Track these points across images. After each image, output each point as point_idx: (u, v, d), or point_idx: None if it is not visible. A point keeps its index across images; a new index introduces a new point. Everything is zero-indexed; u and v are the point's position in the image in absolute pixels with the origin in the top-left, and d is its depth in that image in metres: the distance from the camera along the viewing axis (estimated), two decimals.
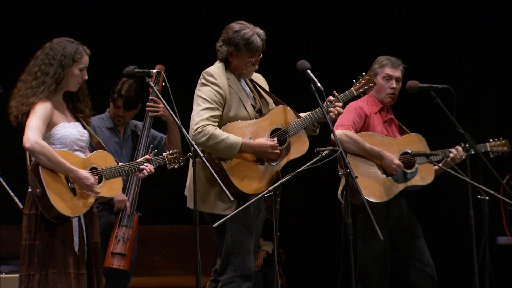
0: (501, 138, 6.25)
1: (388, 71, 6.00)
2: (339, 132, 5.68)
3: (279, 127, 5.36)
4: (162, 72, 5.40)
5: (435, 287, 5.95)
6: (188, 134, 5.06)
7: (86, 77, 4.91)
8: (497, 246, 7.22)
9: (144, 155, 5.83)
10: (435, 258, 6.10)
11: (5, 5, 8.49)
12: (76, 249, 4.81)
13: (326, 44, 9.05)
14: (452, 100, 5.80)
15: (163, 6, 9.13)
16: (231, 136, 5.17)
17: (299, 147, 5.38)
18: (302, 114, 5.41)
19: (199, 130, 5.14)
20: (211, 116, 5.19)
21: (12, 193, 5.58)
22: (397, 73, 6.03)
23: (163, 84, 5.46)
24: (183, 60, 8.61)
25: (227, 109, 5.27)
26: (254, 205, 5.20)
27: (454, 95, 5.80)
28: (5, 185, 5.66)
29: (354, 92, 5.55)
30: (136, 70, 5.11)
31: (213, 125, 5.17)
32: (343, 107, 5.41)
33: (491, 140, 6.24)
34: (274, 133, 5.34)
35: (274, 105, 5.48)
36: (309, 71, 5.21)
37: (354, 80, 5.58)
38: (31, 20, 8.62)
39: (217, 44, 5.37)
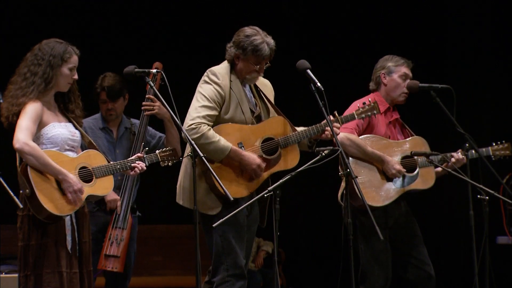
0: (503, 141, 6.24)
1: (405, 70, 6.00)
2: (342, 135, 5.66)
3: (273, 137, 5.36)
4: (162, 72, 5.39)
5: (433, 286, 5.95)
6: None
7: (76, 77, 4.92)
8: (497, 246, 7.22)
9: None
10: (435, 258, 6.10)
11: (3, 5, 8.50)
12: (69, 247, 4.82)
13: (326, 44, 9.04)
14: (452, 100, 5.79)
15: (161, 5, 9.12)
16: (222, 140, 5.19)
17: (290, 160, 5.38)
18: (299, 129, 5.42)
19: (193, 126, 5.15)
20: (208, 115, 5.21)
21: (12, 193, 5.57)
22: (411, 73, 6.04)
23: (162, 83, 5.45)
24: (181, 60, 8.61)
25: (224, 111, 5.29)
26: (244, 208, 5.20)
27: (454, 95, 5.79)
28: (5, 185, 5.66)
29: (356, 116, 5.58)
30: (136, 70, 5.13)
31: (208, 125, 5.19)
32: (321, 112, 5.38)
33: (494, 143, 6.23)
34: (265, 141, 5.36)
35: (275, 115, 5.48)
36: (309, 71, 5.21)
37: (358, 105, 5.59)
38: (28, 21, 8.61)
39: (227, 45, 5.39)
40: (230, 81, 5.33)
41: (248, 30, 5.35)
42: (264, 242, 9.04)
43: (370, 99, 5.68)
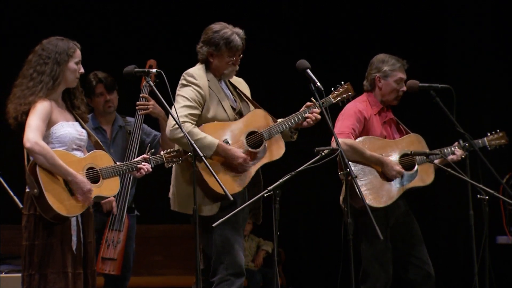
0: (498, 130, 6.26)
1: (401, 75, 5.99)
2: (339, 140, 5.66)
3: (256, 130, 5.39)
4: (162, 72, 5.39)
5: (433, 285, 5.95)
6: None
7: (83, 70, 4.93)
8: (497, 246, 7.22)
9: (136, 154, 5.85)
10: (435, 258, 6.10)
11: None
12: (74, 248, 4.82)
13: (326, 44, 9.05)
14: (452, 100, 5.79)
15: (161, 5, 9.12)
16: (208, 136, 5.23)
17: (275, 150, 5.42)
18: (280, 120, 5.45)
19: (176, 126, 5.14)
20: (190, 114, 5.24)
21: (12, 193, 5.58)
22: (405, 75, 6.04)
23: (155, 83, 5.45)
24: (181, 60, 8.60)
25: (205, 110, 5.32)
26: (239, 203, 5.21)
27: (454, 95, 5.80)
28: (5, 185, 5.67)
29: (332, 100, 5.60)
30: (136, 69, 5.14)
31: (191, 123, 5.21)
32: (321, 114, 5.39)
33: (488, 134, 6.24)
34: (250, 135, 5.38)
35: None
36: (308, 71, 5.22)
37: (332, 88, 5.61)
38: (27, 21, 8.61)
39: (197, 46, 5.43)
40: (208, 80, 5.36)
41: (215, 26, 5.40)
42: (264, 242, 9.05)
43: (342, 82, 5.66)
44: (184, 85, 5.35)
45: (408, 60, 6.11)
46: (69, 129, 4.87)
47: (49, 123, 4.80)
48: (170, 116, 5.17)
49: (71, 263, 4.79)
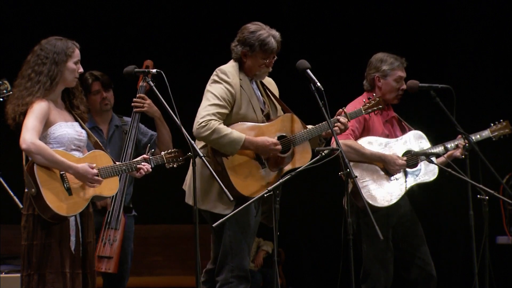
0: (501, 120, 6.25)
1: (400, 74, 5.99)
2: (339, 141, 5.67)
3: (285, 134, 5.37)
4: (162, 72, 5.39)
5: (434, 286, 5.95)
6: (192, 129, 5.09)
7: (82, 70, 4.94)
8: (497, 246, 7.22)
9: (132, 153, 5.85)
10: (435, 258, 6.10)
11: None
12: (73, 248, 4.82)
13: (325, 44, 9.05)
14: (452, 100, 5.79)
15: (160, 5, 9.12)
16: (234, 131, 5.19)
17: (302, 157, 5.40)
18: (309, 126, 5.43)
19: (203, 124, 5.15)
20: (218, 113, 5.21)
21: (12, 193, 5.58)
22: (405, 73, 6.04)
23: (153, 83, 5.43)
24: (180, 60, 8.61)
25: (237, 108, 5.28)
26: (253, 206, 5.20)
27: (454, 95, 5.80)
28: (5, 185, 5.67)
29: (363, 112, 5.62)
30: (136, 70, 5.15)
31: (218, 121, 5.18)
32: (321, 114, 5.39)
33: (492, 124, 6.23)
34: (279, 140, 5.35)
35: (282, 112, 5.49)
36: (308, 71, 5.21)
37: (364, 100, 5.62)
38: (26, 21, 8.61)
39: (232, 44, 5.39)
40: (240, 79, 5.33)
41: (251, 26, 5.35)
42: (264, 242, 9.04)
43: (374, 94, 5.69)
44: (215, 81, 5.30)
45: (409, 60, 6.11)
46: (68, 129, 4.86)
47: (47, 123, 4.80)
48: (197, 114, 5.18)
49: (69, 263, 4.79)
